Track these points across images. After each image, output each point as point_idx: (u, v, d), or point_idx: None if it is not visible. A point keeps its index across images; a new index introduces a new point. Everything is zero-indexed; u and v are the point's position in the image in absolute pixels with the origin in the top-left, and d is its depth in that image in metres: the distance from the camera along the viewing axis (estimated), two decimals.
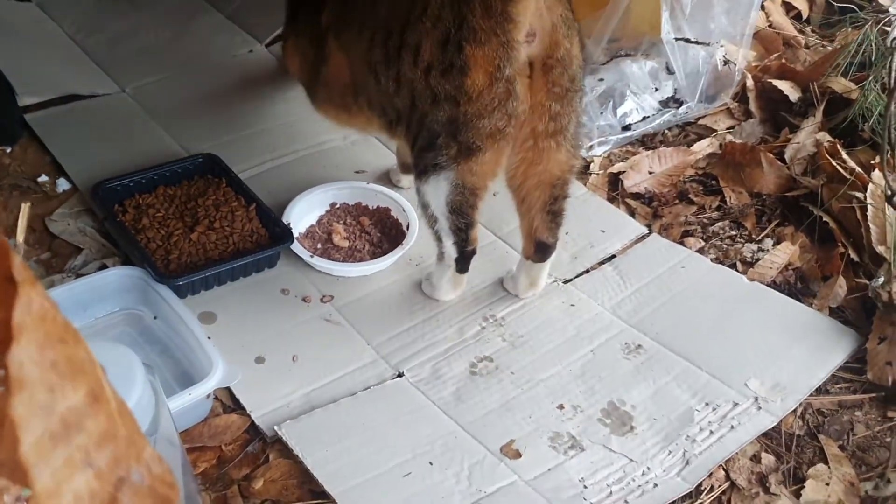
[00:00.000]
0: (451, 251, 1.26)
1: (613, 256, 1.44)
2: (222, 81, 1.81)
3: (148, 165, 1.48)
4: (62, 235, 1.38)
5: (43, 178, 1.50)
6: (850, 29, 1.90)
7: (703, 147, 1.68)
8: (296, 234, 1.39)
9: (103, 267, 1.33)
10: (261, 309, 1.31)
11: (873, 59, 1.60)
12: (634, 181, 1.61)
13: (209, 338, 1.19)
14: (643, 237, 1.48)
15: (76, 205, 1.45)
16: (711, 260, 1.43)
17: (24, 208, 0.58)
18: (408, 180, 1.49)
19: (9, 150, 1.57)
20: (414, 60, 1.07)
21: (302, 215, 1.45)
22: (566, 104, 1.10)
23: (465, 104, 1.05)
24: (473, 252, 1.27)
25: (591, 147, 1.67)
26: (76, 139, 1.61)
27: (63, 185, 1.49)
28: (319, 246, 1.43)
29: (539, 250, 1.27)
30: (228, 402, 1.17)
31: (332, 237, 1.43)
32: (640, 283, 1.37)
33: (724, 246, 1.46)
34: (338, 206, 1.49)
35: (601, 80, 1.78)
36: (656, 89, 1.81)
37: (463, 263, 1.28)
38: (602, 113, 1.73)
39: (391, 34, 1.11)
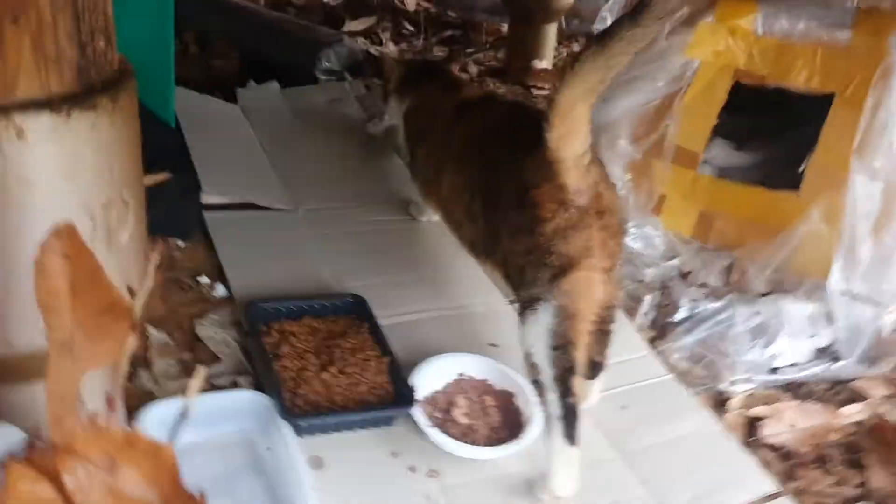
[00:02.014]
0: (554, 409, 1.23)
1: None
2: (387, 224, 1.89)
3: (299, 288, 1.54)
4: (207, 342, 1.43)
5: (204, 280, 1.59)
6: None
7: (853, 413, 1.58)
8: (418, 397, 1.38)
9: (235, 383, 1.37)
10: (368, 468, 1.29)
11: None
12: (773, 431, 1.52)
13: (314, 490, 1.18)
14: (773, 496, 1.38)
15: (227, 314, 1.51)
16: None
17: (201, 371, 0.59)
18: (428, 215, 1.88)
19: (182, 244, 1.67)
20: (496, 208, 1.35)
21: (428, 377, 1.44)
22: (618, 243, 1.32)
23: (540, 226, 1.23)
24: (576, 411, 1.23)
25: (733, 382, 1.61)
26: (243, 248, 1.70)
27: (220, 290, 1.57)
28: (438, 415, 1.41)
29: (591, 368, 1.41)
30: None
31: (452, 410, 1.42)
32: None
33: None
34: (465, 377, 1.49)
35: (758, 312, 1.73)
36: (812, 336, 1.74)
37: (568, 426, 1.24)
38: (751, 348, 1.67)
39: (486, 192, 1.39)
